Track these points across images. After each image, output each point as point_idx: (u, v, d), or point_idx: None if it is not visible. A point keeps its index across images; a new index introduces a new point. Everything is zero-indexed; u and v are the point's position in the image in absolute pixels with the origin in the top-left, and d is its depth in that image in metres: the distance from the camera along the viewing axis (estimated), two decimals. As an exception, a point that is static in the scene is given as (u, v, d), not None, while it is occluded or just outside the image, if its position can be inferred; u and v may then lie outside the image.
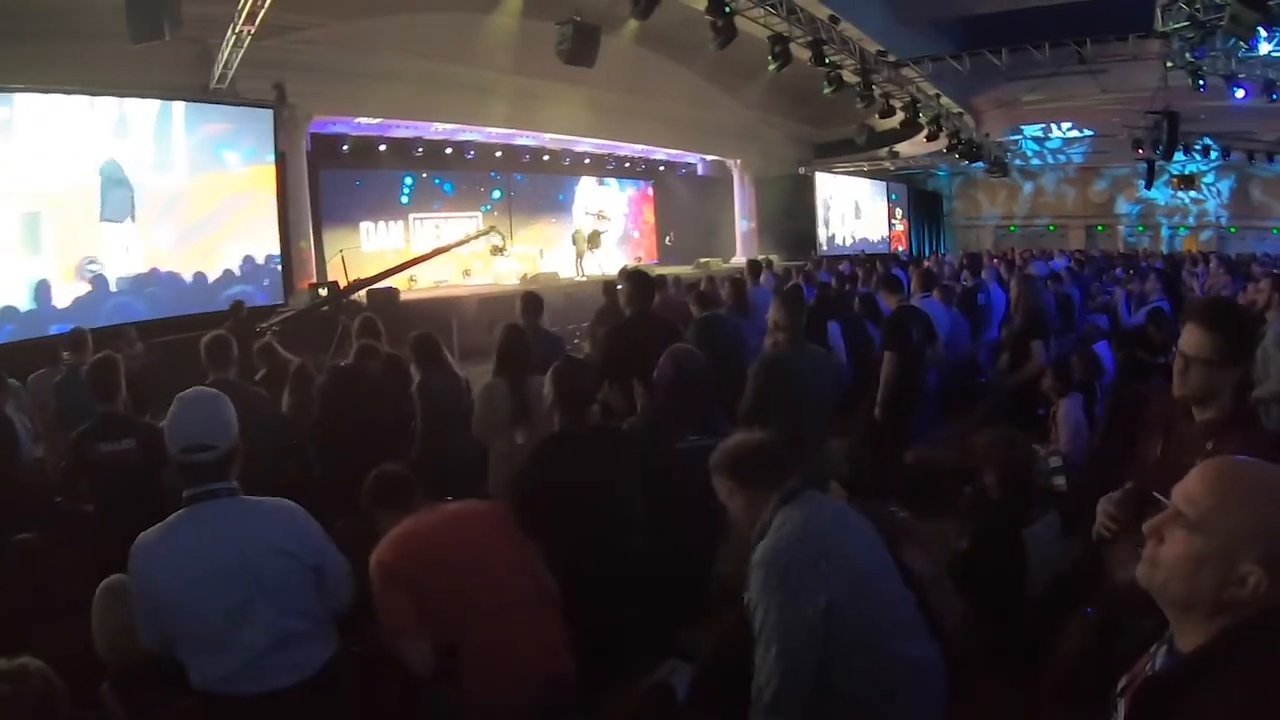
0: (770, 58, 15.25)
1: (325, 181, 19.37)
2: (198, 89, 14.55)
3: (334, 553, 3.15)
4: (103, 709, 3.29)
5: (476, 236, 18.94)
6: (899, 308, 8.07)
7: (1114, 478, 6.82)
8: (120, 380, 5.51)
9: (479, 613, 3.32)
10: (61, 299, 12.78)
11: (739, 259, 27.30)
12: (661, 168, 29.25)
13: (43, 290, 12.57)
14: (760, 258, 24.05)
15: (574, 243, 24.24)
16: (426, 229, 22.03)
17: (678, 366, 4.47)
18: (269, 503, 3.07)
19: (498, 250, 20.16)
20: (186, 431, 2.96)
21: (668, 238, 28.47)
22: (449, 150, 22.11)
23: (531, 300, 7.60)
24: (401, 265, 16.35)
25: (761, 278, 15.66)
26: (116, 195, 13.40)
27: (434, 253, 17.54)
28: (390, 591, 3.31)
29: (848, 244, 31.63)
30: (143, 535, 2.90)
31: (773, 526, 2.84)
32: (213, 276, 14.81)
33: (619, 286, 7.97)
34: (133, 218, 13.64)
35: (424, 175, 22.66)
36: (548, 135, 23.17)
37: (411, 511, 3.57)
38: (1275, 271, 12.03)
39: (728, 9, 13.59)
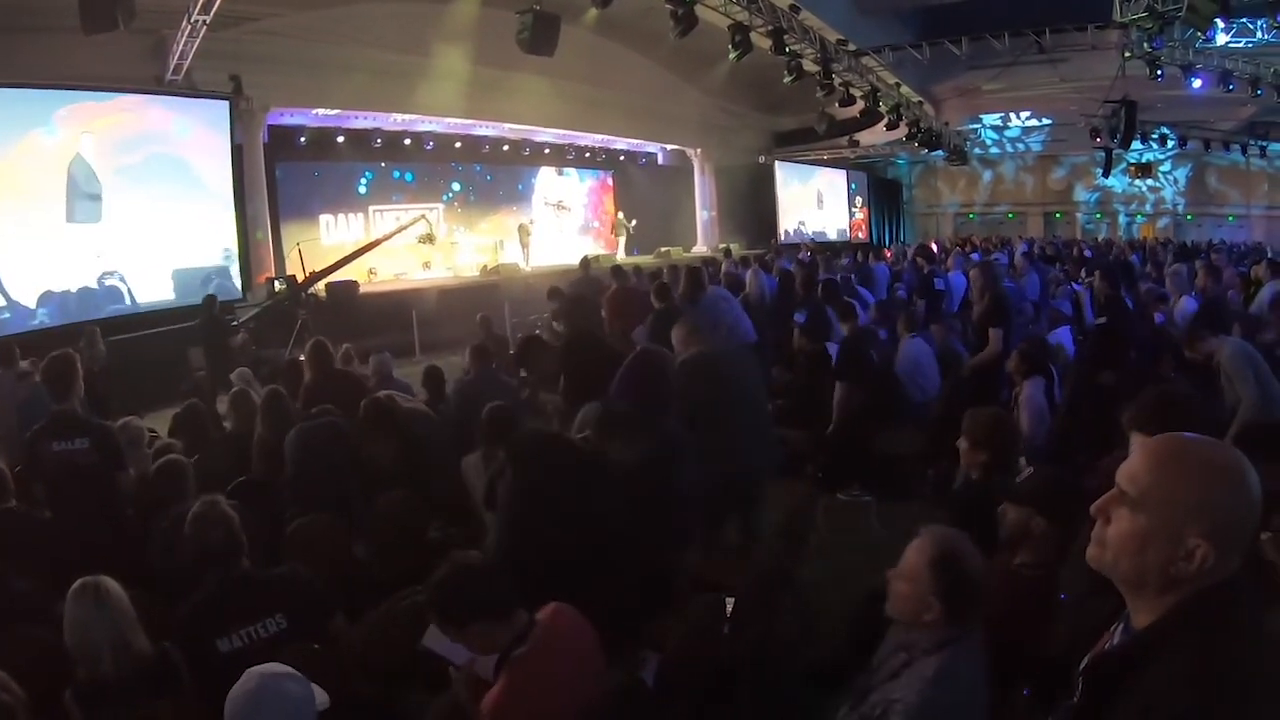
0: (731, 46, 15.21)
1: (283, 174, 19.13)
2: (153, 81, 14.33)
3: None
4: (65, 717, 3.21)
5: (408, 226, 18.72)
6: (852, 333, 8.03)
7: (1075, 458, 6.89)
8: (75, 378, 5.37)
9: None
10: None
11: (700, 248, 27.43)
12: (622, 157, 29.16)
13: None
14: (720, 246, 24.24)
15: (519, 235, 24.29)
16: (387, 220, 21.65)
17: (646, 364, 4.47)
18: None
19: (427, 239, 20.08)
20: None
21: (631, 223, 28.27)
22: (408, 141, 21.93)
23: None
24: (338, 262, 15.98)
25: (723, 266, 15.83)
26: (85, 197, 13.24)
27: (366, 247, 17.17)
28: None
29: (831, 233, 32.18)
30: None
31: (924, 664, 2.66)
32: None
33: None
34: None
35: (383, 166, 22.40)
36: (507, 125, 23.10)
37: None
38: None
39: (688, -2, 13.55)
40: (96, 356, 12.01)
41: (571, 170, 27.99)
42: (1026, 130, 32.81)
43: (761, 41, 16.00)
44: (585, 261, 13.96)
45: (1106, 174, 30.35)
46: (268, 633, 3.43)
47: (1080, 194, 35.66)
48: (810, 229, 32.52)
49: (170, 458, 5.28)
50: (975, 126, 32.06)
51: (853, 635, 4.31)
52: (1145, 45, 16.81)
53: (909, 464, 7.17)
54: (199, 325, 12.59)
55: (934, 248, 27.72)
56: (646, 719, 3.24)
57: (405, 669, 3.59)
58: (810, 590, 5.68)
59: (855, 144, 29.30)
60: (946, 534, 2.82)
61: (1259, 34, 18.16)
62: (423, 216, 19.65)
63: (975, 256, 16.84)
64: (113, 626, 3.27)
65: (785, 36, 16.16)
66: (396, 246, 20.55)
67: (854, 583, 5.84)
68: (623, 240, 27.35)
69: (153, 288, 14.65)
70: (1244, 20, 18.13)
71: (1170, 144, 28.40)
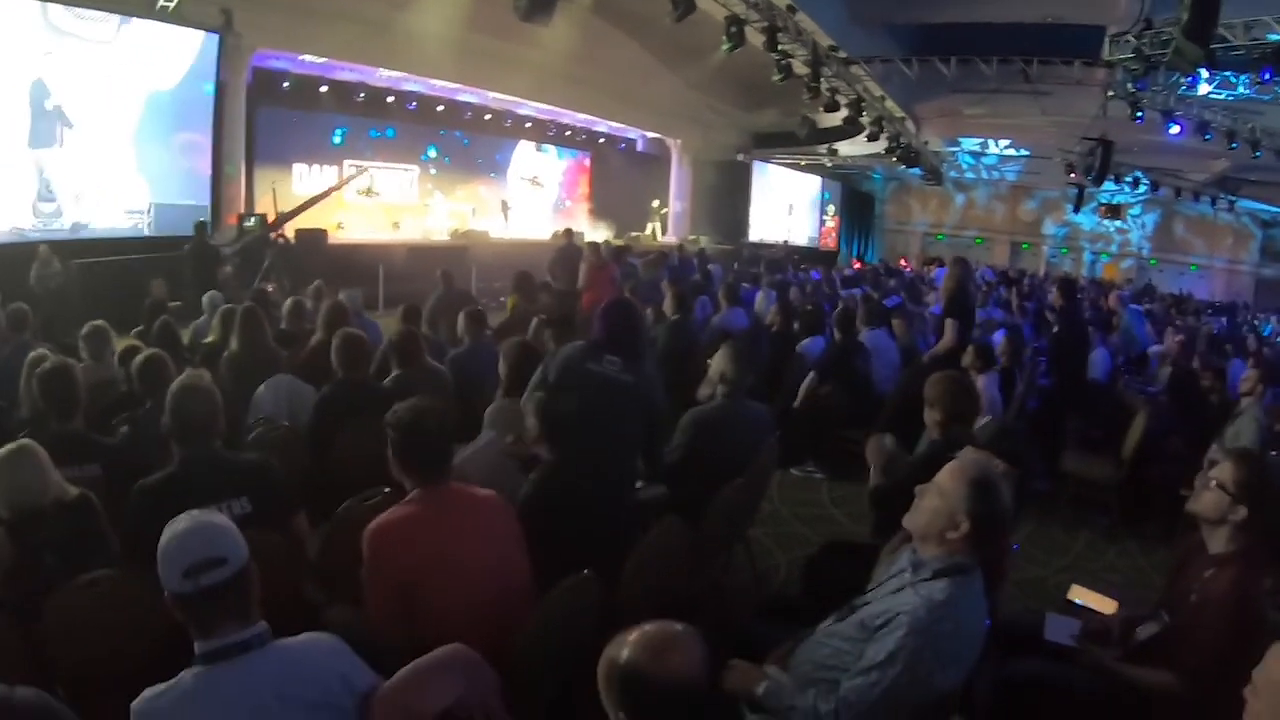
0: (725, 38, 15.24)
1: (261, 118, 18.85)
2: (144, 6, 14.10)
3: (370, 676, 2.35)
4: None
5: (353, 178, 18.74)
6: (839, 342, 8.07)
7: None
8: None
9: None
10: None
11: (669, 238, 27.54)
12: (601, 140, 29.08)
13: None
14: (690, 239, 24.36)
15: (501, 208, 25.09)
16: (362, 176, 21.60)
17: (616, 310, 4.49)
18: (304, 646, 2.30)
19: (366, 192, 20.51)
20: (189, 547, 2.21)
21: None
22: (391, 99, 21.71)
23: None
24: (293, 211, 15.98)
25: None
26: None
27: (318, 197, 17.07)
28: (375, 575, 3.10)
29: (798, 239, 32.18)
30: (148, 701, 2.08)
31: (934, 586, 2.62)
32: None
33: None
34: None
35: (362, 120, 22.11)
36: (492, 95, 22.98)
37: None
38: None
39: (690, -18, 13.57)
40: (52, 275, 11.84)
41: (550, 147, 27.95)
42: (1003, 158, 33.02)
43: (755, 37, 16.01)
44: (569, 232, 14.39)
45: (1076, 210, 30.83)
46: (231, 514, 3.36)
47: (1049, 227, 36.09)
48: (779, 233, 32.66)
49: (153, 352, 5.17)
50: (954, 149, 32.24)
51: (807, 579, 4.42)
52: (1129, 86, 17.08)
53: (863, 446, 7.31)
54: (189, 251, 12.60)
55: (903, 264, 28.18)
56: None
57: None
58: (760, 552, 5.81)
59: (834, 153, 29.48)
60: (987, 462, 2.87)
61: (1240, 88, 18.42)
62: (365, 170, 20.30)
63: (940, 272, 17.16)
64: (37, 471, 3.40)
65: (779, 35, 16.16)
66: (368, 204, 20.62)
67: (802, 548, 5.99)
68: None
69: (109, 217, 14.46)
70: (1227, 74, 18.41)
71: (1142, 188, 28.70)
